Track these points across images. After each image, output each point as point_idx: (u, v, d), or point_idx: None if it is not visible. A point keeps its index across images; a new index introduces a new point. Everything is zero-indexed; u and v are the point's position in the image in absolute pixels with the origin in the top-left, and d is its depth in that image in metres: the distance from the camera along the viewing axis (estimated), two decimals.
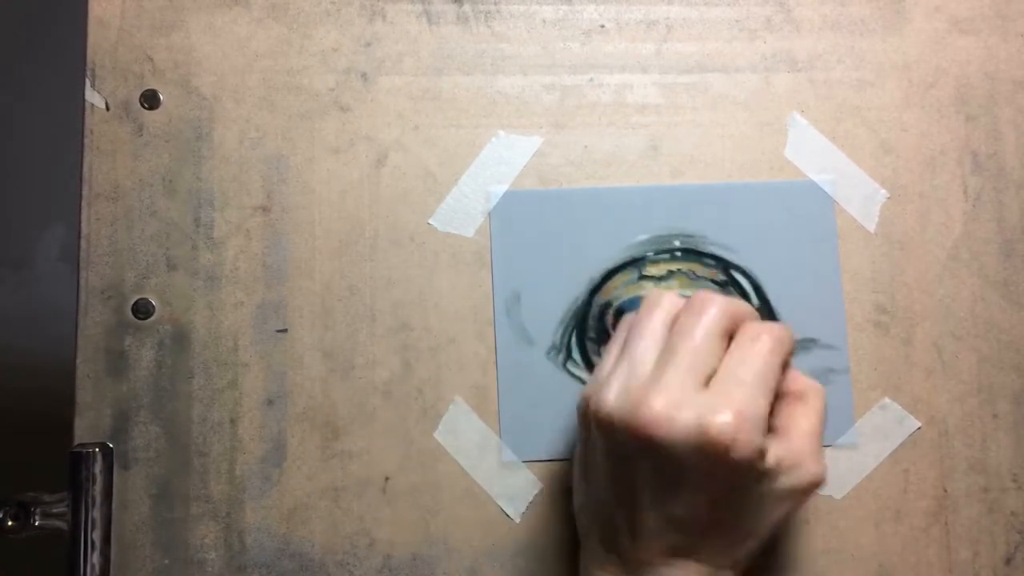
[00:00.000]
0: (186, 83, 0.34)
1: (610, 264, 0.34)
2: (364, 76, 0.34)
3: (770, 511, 0.27)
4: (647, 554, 0.27)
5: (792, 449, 0.27)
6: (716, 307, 0.27)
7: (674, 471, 0.26)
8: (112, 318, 0.32)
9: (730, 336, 0.28)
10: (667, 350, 0.27)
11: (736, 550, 0.27)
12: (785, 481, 0.26)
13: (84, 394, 0.32)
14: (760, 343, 0.27)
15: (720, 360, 0.27)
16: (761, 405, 0.26)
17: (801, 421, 0.28)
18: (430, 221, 0.34)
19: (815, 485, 0.27)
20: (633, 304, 0.33)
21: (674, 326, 0.28)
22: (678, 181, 0.34)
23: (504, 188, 0.34)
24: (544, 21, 0.35)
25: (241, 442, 0.32)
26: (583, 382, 0.33)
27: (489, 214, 0.34)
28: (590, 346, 0.33)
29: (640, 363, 0.27)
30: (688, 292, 0.34)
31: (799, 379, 0.29)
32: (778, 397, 0.28)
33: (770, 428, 0.27)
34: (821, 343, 0.34)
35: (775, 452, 0.26)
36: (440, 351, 0.33)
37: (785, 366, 0.28)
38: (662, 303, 0.29)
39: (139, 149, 0.33)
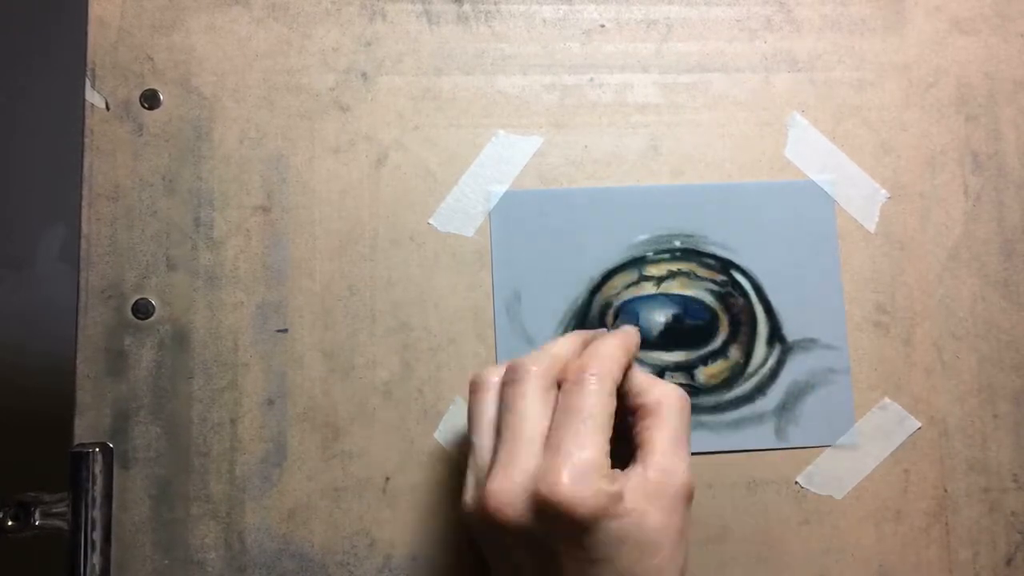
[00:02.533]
0: (186, 83, 0.34)
1: (610, 264, 0.34)
2: (364, 76, 0.34)
3: (653, 545, 0.26)
4: None
5: (649, 474, 0.26)
6: (527, 370, 0.27)
7: (541, 547, 0.25)
8: (112, 318, 0.32)
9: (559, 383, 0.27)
10: (499, 431, 0.27)
11: None
12: (651, 506, 0.26)
13: (84, 394, 0.32)
14: (580, 387, 0.26)
15: (549, 417, 0.26)
16: (596, 449, 0.25)
17: (654, 435, 0.27)
18: (430, 221, 0.34)
19: (684, 492, 0.26)
20: (633, 304, 0.33)
21: (500, 403, 0.27)
22: (678, 181, 0.34)
23: (504, 188, 0.34)
24: (544, 21, 0.35)
25: (241, 442, 0.32)
26: None
27: (489, 214, 0.34)
28: None
29: (479, 453, 0.27)
30: (688, 292, 0.34)
31: (649, 390, 0.28)
32: (637, 411, 0.28)
33: (635, 447, 0.27)
34: (821, 343, 0.34)
35: (638, 477, 0.26)
36: (440, 351, 0.33)
37: (627, 371, 0.28)
38: (479, 383, 0.28)
39: (139, 149, 0.33)
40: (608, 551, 0.25)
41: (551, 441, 0.26)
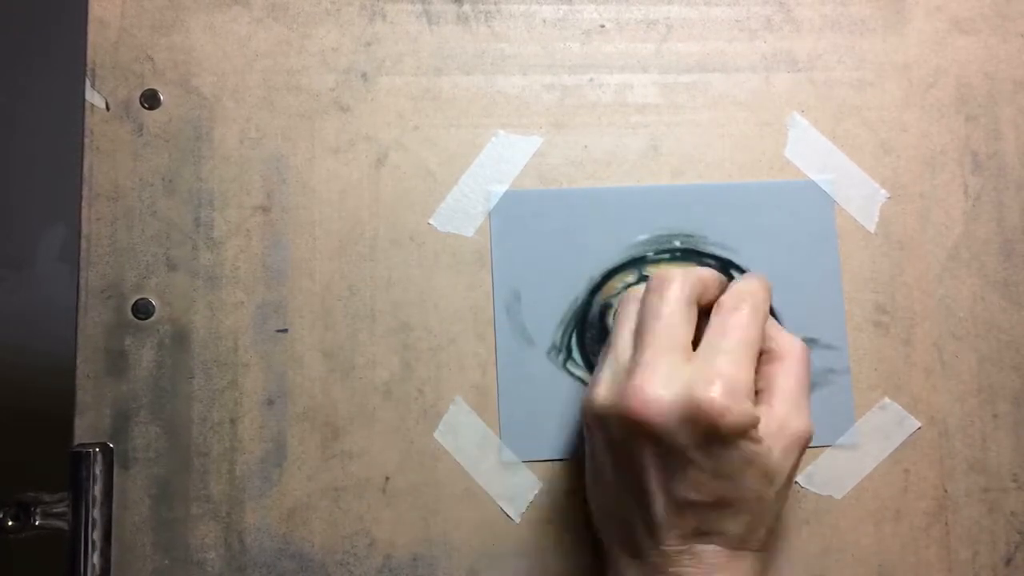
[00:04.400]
0: (186, 83, 0.34)
1: (610, 264, 0.34)
2: (364, 76, 0.34)
3: (772, 476, 0.27)
4: (667, 547, 0.27)
5: (775, 413, 0.27)
6: (675, 280, 0.28)
7: (672, 451, 0.26)
8: (112, 318, 0.32)
9: (699, 304, 0.29)
10: (639, 334, 0.28)
11: (753, 524, 0.27)
12: (775, 443, 0.27)
13: (84, 394, 0.32)
14: (739, 313, 0.28)
15: (692, 330, 0.28)
16: (746, 372, 0.27)
17: (780, 381, 0.28)
18: (430, 221, 0.34)
19: (803, 440, 0.28)
20: None
21: (641, 310, 0.28)
22: (678, 181, 0.34)
23: (504, 188, 0.34)
24: (544, 21, 0.35)
25: (241, 442, 0.32)
26: (583, 382, 0.33)
27: (489, 214, 0.34)
28: (590, 346, 0.33)
29: (621, 352, 0.28)
30: None
31: (777, 337, 0.29)
32: (763, 354, 0.29)
33: (759, 388, 0.28)
34: (821, 343, 0.34)
35: (766, 413, 0.27)
36: (440, 351, 0.33)
37: (764, 321, 0.29)
38: (631, 295, 0.29)
39: (139, 149, 0.33)
40: (736, 469, 0.26)
41: (706, 354, 0.27)
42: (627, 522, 0.28)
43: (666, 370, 0.26)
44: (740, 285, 0.29)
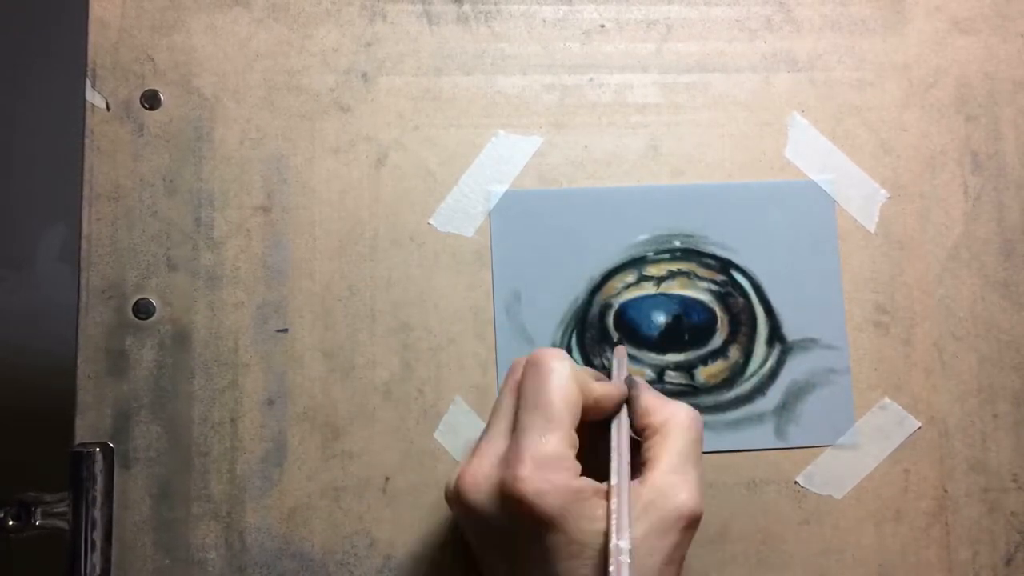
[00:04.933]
0: (187, 83, 0.34)
1: (610, 264, 0.34)
2: (364, 76, 0.34)
3: (643, 555, 0.24)
4: None
5: (651, 485, 0.25)
6: (515, 362, 0.28)
7: (507, 540, 0.25)
8: (113, 318, 0.32)
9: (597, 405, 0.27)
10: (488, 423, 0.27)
11: None
12: (646, 519, 0.25)
13: (85, 394, 0.32)
14: (540, 366, 0.26)
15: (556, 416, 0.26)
16: (558, 439, 0.25)
17: (660, 455, 0.26)
18: (430, 221, 0.34)
19: (684, 515, 0.25)
20: (634, 305, 0.34)
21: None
22: (678, 181, 0.35)
23: (504, 188, 0.34)
24: (544, 21, 0.35)
25: (242, 442, 0.32)
26: None
27: (489, 214, 0.34)
28: (590, 346, 0.33)
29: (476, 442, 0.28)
30: (688, 292, 0.34)
31: (657, 409, 0.27)
32: (644, 431, 0.27)
33: (642, 463, 0.27)
34: (821, 343, 0.34)
35: (635, 492, 0.25)
36: (440, 351, 0.33)
37: (638, 394, 0.28)
38: (505, 380, 0.28)
39: (140, 149, 0.33)
40: (573, 553, 0.24)
41: (515, 428, 0.26)
42: None
43: (491, 451, 0.26)
44: (532, 356, 0.27)
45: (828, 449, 0.33)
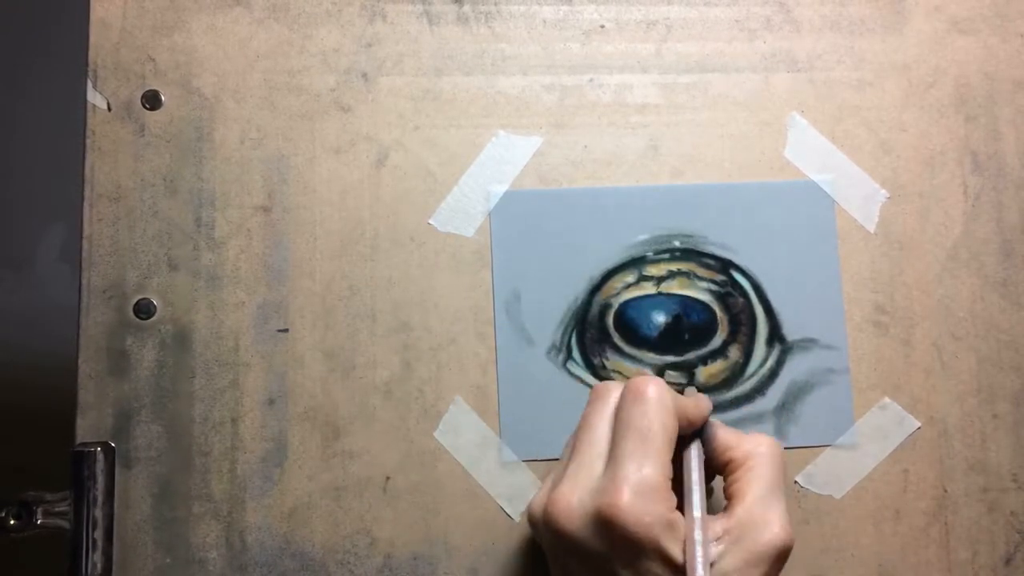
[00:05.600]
0: (187, 83, 0.34)
1: (610, 264, 0.34)
2: (365, 76, 0.34)
3: None
4: None
5: (739, 519, 0.25)
6: (607, 388, 0.27)
7: (599, 566, 0.25)
8: (114, 318, 0.32)
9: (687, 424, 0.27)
10: (573, 445, 0.27)
11: None
12: (738, 552, 0.25)
13: (86, 394, 0.32)
14: (641, 398, 0.26)
15: (658, 441, 0.26)
16: (656, 468, 0.25)
17: (746, 488, 0.26)
18: (430, 221, 0.34)
19: (775, 549, 0.25)
20: (634, 305, 0.34)
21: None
22: (678, 181, 0.35)
23: (504, 188, 0.34)
24: (544, 21, 0.35)
25: (242, 441, 0.32)
26: (583, 382, 0.33)
27: (489, 214, 0.34)
28: (590, 346, 0.33)
29: (560, 463, 0.28)
30: (688, 292, 0.34)
31: (742, 443, 0.28)
32: (727, 466, 0.27)
33: (726, 497, 0.27)
34: (821, 343, 0.34)
35: (721, 524, 0.25)
36: (440, 351, 0.33)
37: (713, 430, 0.28)
38: (592, 404, 0.28)
39: (140, 149, 0.33)
40: None
41: (612, 455, 0.26)
42: None
43: (584, 478, 0.25)
44: (628, 383, 0.27)
45: (828, 449, 0.33)
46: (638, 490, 0.24)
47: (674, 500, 0.25)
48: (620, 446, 0.26)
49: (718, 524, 0.26)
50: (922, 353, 0.34)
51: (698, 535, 0.25)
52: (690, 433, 0.28)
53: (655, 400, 0.26)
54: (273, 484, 0.32)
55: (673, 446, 0.26)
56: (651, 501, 0.24)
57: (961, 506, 0.33)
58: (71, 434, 0.31)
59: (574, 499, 0.25)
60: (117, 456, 0.31)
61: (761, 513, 0.26)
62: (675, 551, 0.24)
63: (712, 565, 0.24)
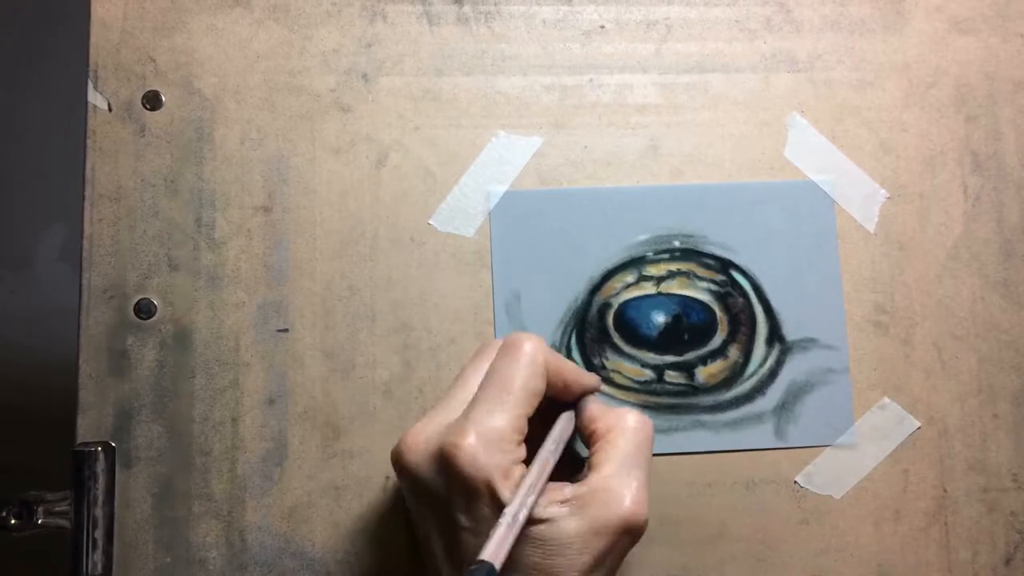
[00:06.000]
0: (188, 84, 0.34)
1: (610, 264, 0.34)
2: (365, 77, 0.34)
3: (566, 554, 0.24)
4: None
5: (591, 487, 0.25)
6: (487, 342, 0.28)
7: (442, 508, 0.25)
8: (114, 318, 0.32)
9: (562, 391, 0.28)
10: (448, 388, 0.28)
11: None
12: (582, 518, 0.25)
13: (86, 393, 0.32)
14: (503, 359, 0.26)
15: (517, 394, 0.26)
16: (508, 419, 0.25)
17: (604, 460, 0.26)
18: (430, 221, 0.34)
19: (624, 521, 0.25)
20: (634, 305, 0.34)
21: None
22: (678, 181, 0.35)
23: (504, 188, 0.34)
24: (544, 21, 0.35)
25: (242, 441, 0.32)
26: None
27: (489, 214, 0.34)
28: (590, 346, 0.33)
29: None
30: (688, 292, 0.34)
31: (607, 415, 0.28)
32: (591, 437, 0.28)
33: (588, 468, 0.27)
34: (821, 343, 0.34)
35: (571, 490, 0.25)
36: (440, 351, 0.33)
37: (586, 403, 0.28)
38: (479, 352, 0.29)
39: (141, 150, 0.33)
40: (487, 520, 0.24)
41: (473, 399, 0.26)
42: (433, 562, 0.27)
43: (438, 418, 0.26)
44: (511, 335, 0.28)
45: (827, 449, 0.33)
46: (482, 434, 0.24)
47: (521, 454, 0.25)
48: (480, 392, 0.26)
49: (568, 489, 0.26)
50: (922, 353, 0.34)
51: (524, 487, 0.24)
52: (570, 402, 0.29)
53: (526, 354, 0.26)
54: (273, 484, 0.32)
55: (534, 402, 0.26)
56: (494, 448, 0.24)
57: (961, 506, 0.33)
58: (72, 434, 0.32)
59: (422, 436, 0.25)
60: (117, 456, 0.32)
61: (615, 485, 0.25)
62: (507, 497, 0.24)
63: (547, 522, 0.24)
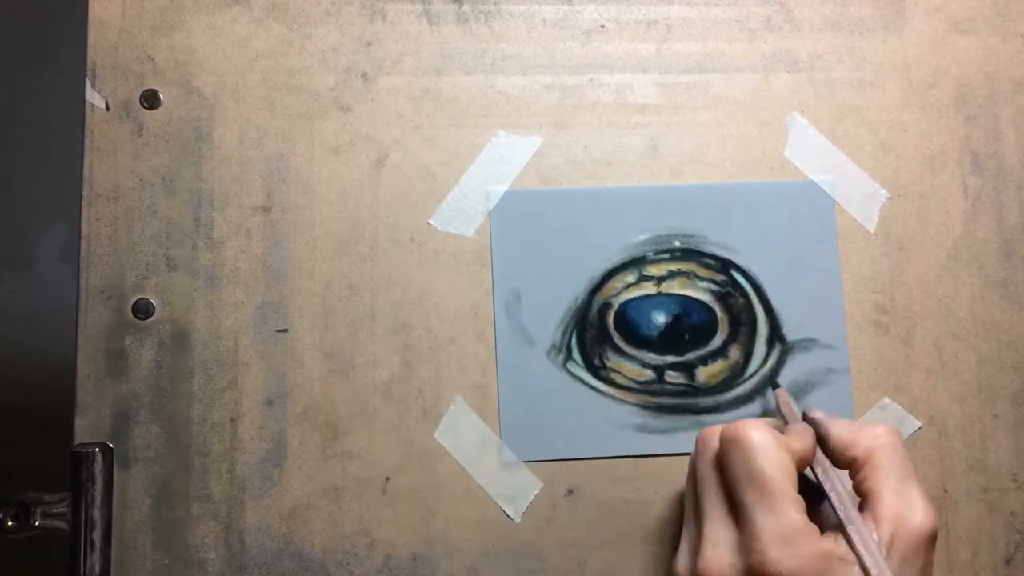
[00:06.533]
0: (186, 83, 0.34)
1: (610, 264, 0.34)
2: (364, 76, 0.34)
3: None
4: None
5: (885, 518, 0.25)
6: (709, 437, 0.27)
7: None
8: (112, 318, 0.32)
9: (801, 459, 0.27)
10: (696, 503, 0.27)
11: None
12: (895, 551, 0.25)
13: (84, 394, 0.32)
14: (735, 456, 0.26)
15: (782, 483, 0.25)
16: (786, 508, 0.25)
17: (880, 486, 0.26)
18: (430, 221, 0.34)
19: (925, 533, 0.25)
20: (634, 305, 0.33)
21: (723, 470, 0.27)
22: (678, 181, 0.35)
23: (504, 188, 0.34)
24: (544, 21, 0.35)
25: (241, 442, 0.32)
26: (583, 382, 0.33)
27: (489, 214, 0.34)
28: (590, 346, 0.33)
29: (690, 522, 0.28)
30: (688, 292, 0.34)
31: (861, 439, 0.27)
32: (851, 465, 0.27)
33: (859, 495, 0.27)
34: (821, 343, 0.34)
35: (872, 531, 0.25)
36: (440, 351, 0.33)
37: (827, 427, 0.28)
38: (701, 444, 0.28)
39: (139, 149, 0.33)
40: None
41: (740, 512, 0.25)
42: None
43: (724, 541, 0.25)
44: (723, 430, 0.27)
45: None
46: (779, 538, 0.24)
47: (816, 530, 0.25)
48: (742, 499, 0.25)
49: (870, 532, 0.25)
50: (922, 353, 0.34)
51: (859, 547, 0.25)
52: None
53: (759, 444, 0.26)
54: (272, 484, 0.32)
55: (795, 480, 0.26)
56: (796, 543, 0.24)
57: (961, 506, 0.33)
58: (69, 434, 0.31)
59: (724, 562, 0.25)
60: (116, 456, 0.31)
61: (904, 508, 0.25)
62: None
63: None
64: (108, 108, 0.33)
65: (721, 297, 0.34)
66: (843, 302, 0.34)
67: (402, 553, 0.32)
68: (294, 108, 0.34)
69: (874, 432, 0.27)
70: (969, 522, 0.33)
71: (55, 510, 0.30)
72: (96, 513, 0.31)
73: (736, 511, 0.26)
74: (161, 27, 0.34)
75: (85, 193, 0.33)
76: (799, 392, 0.33)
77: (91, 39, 0.33)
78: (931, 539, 0.25)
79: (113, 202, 0.33)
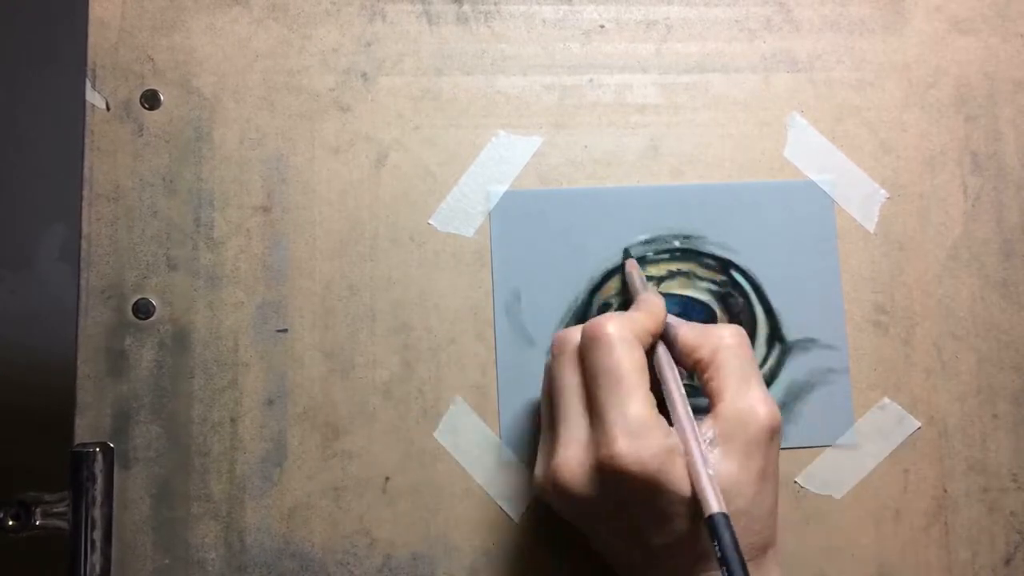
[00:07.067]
0: (186, 83, 0.34)
1: (610, 264, 0.34)
2: (364, 76, 0.34)
3: (748, 472, 0.25)
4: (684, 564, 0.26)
5: (724, 416, 0.26)
6: (561, 340, 0.27)
7: (620, 518, 0.25)
8: (112, 318, 0.32)
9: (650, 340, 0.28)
10: (554, 405, 0.27)
11: (748, 530, 0.25)
12: (733, 448, 0.25)
13: (84, 394, 0.32)
14: (601, 341, 0.26)
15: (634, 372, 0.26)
16: (639, 404, 0.25)
17: (723, 385, 0.26)
18: (430, 221, 0.34)
19: (766, 428, 0.25)
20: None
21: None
22: (678, 181, 0.35)
23: (504, 188, 0.34)
24: (544, 21, 0.35)
25: (241, 442, 0.32)
26: None
27: (489, 214, 0.34)
28: None
29: (545, 427, 0.28)
30: (688, 293, 0.34)
31: (707, 339, 0.27)
32: (697, 365, 0.28)
33: (705, 396, 0.27)
34: (821, 343, 0.34)
35: (710, 428, 0.26)
36: (440, 351, 0.33)
37: (676, 332, 0.28)
38: (556, 358, 0.28)
39: (139, 149, 0.33)
40: (676, 504, 0.24)
41: (593, 408, 0.26)
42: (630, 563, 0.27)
43: (575, 438, 0.26)
44: (584, 326, 0.27)
45: (827, 449, 0.33)
46: (629, 432, 0.24)
47: (665, 424, 0.25)
48: (597, 395, 0.26)
49: (708, 429, 0.26)
50: (922, 353, 0.34)
51: (690, 440, 0.25)
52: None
53: (615, 337, 0.26)
54: (272, 484, 0.32)
55: (647, 374, 0.26)
56: (645, 437, 0.24)
57: (961, 506, 0.33)
58: (70, 434, 0.31)
59: (574, 462, 0.25)
60: (116, 456, 0.31)
61: (744, 404, 0.26)
62: (679, 478, 0.24)
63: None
64: (108, 108, 0.33)
65: (721, 297, 0.34)
66: (843, 302, 0.34)
67: (402, 553, 0.32)
68: (294, 108, 0.34)
69: (719, 334, 0.27)
70: (969, 522, 0.33)
71: (55, 510, 0.30)
72: (96, 513, 0.31)
73: (591, 409, 0.26)
74: (161, 27, 0.34)
75: (85, 193, 0.33)
76: (799, 392, 0.33)
77: (91, 39, 0.33)
78: (771, 434, 0.26)
79: (113, 202, 0.33)
